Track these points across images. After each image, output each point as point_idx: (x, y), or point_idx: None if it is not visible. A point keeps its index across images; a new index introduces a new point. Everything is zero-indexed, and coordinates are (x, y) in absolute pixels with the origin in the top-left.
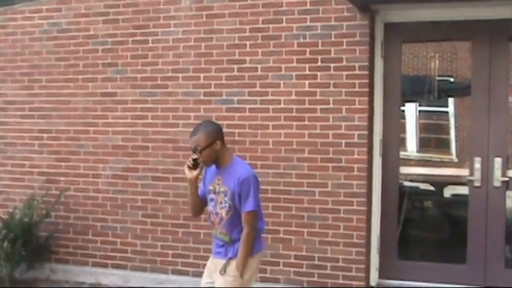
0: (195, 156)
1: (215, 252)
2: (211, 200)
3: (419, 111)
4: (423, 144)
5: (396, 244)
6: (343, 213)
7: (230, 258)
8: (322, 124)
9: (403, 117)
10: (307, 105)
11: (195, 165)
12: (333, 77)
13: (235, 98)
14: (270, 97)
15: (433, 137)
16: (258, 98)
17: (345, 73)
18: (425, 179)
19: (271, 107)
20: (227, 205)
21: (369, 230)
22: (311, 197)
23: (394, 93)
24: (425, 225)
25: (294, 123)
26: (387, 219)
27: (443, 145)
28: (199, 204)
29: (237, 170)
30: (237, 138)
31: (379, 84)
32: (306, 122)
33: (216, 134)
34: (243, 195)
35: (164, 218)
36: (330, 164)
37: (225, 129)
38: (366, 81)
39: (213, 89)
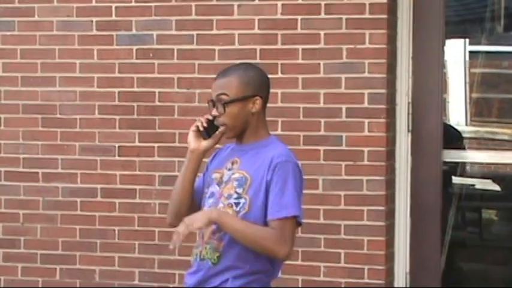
0: (214, 114)
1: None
2: (211, 195)
3: (471, 53)
4: (479, 111)
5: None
6: (345, 232)
7: None
8: (306, 77)
9: (444, 65)
10: (279, 45)
11: (208, 130)
12: None
13: (154, 33)
14: (214, 31)
15: (496, 99)
16: (194, 33)
17: None
18: (486, 171)
19: (216, 48)
20: (241, 201)
21: (390, 260)
22: None
23: (433, 22)
24: (488, 253)
25: None
26: (421, 243)
27: None
28: (188, 200)
29: (270, 149)
30: (158, 103)
31: (407, 5)
32: (279, 75)
33: (259, 86)
34: (275, 188)
35: None
36: (321, 147)
37: (125, 89)
38: (384, 0)
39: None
